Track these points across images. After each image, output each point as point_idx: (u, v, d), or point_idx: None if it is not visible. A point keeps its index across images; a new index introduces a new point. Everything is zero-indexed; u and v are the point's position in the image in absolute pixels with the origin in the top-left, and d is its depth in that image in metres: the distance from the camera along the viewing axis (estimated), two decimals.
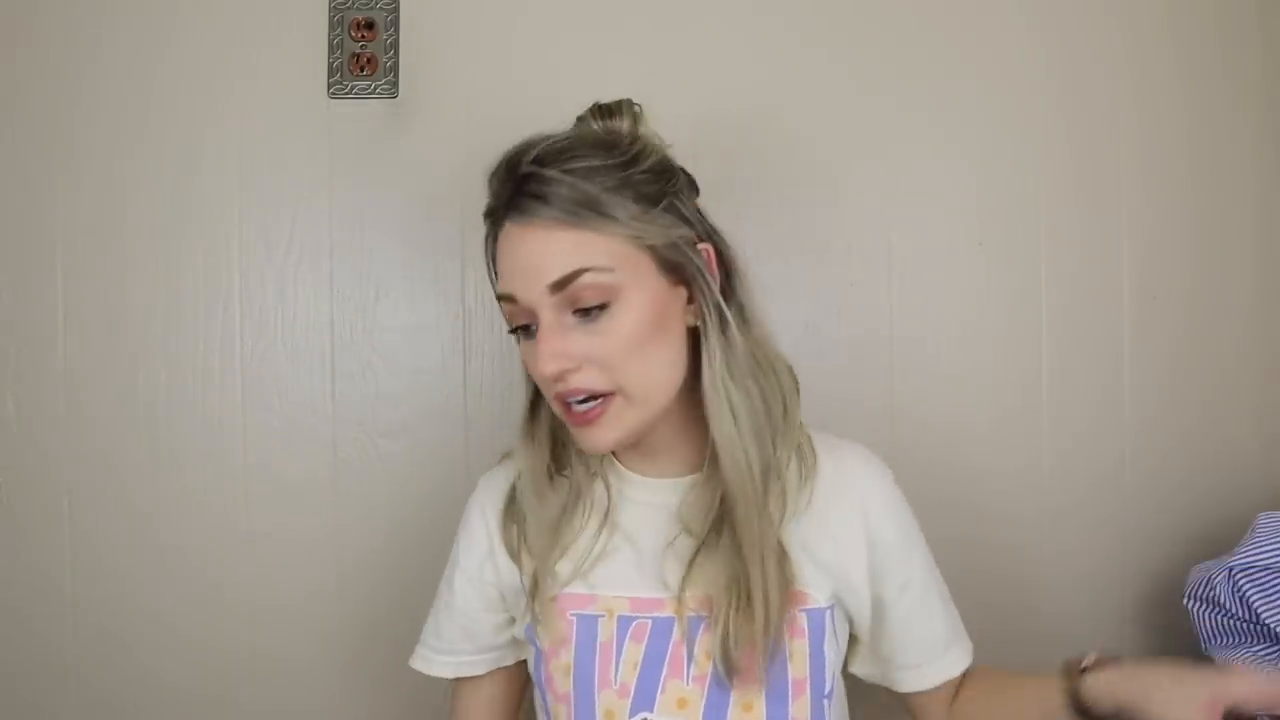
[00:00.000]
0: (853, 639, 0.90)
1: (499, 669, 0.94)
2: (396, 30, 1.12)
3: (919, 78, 1.22)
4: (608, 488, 0.88)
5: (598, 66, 1.19)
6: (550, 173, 0.77)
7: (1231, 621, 1.07)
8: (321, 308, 1.21)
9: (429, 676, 0.94)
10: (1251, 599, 1.04)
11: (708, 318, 0.81)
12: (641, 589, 0.84)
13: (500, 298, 0.82)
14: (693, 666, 0.82)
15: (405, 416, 1.21)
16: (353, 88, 1.11)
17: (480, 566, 0.91)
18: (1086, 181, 1.24)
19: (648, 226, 0.79)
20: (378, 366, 1.21)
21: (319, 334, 1.21)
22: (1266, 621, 1.03)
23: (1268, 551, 1.05)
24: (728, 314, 0.81)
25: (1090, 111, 1.23)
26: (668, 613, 0.83)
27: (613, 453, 0.89)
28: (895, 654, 0.88)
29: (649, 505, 0.87)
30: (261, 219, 1.20)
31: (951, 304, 1.23)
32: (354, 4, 1.12)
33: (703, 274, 0.81)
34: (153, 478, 1.20)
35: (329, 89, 1.11)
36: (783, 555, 0.82)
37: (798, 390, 0.87)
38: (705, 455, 0.84)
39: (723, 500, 0.81)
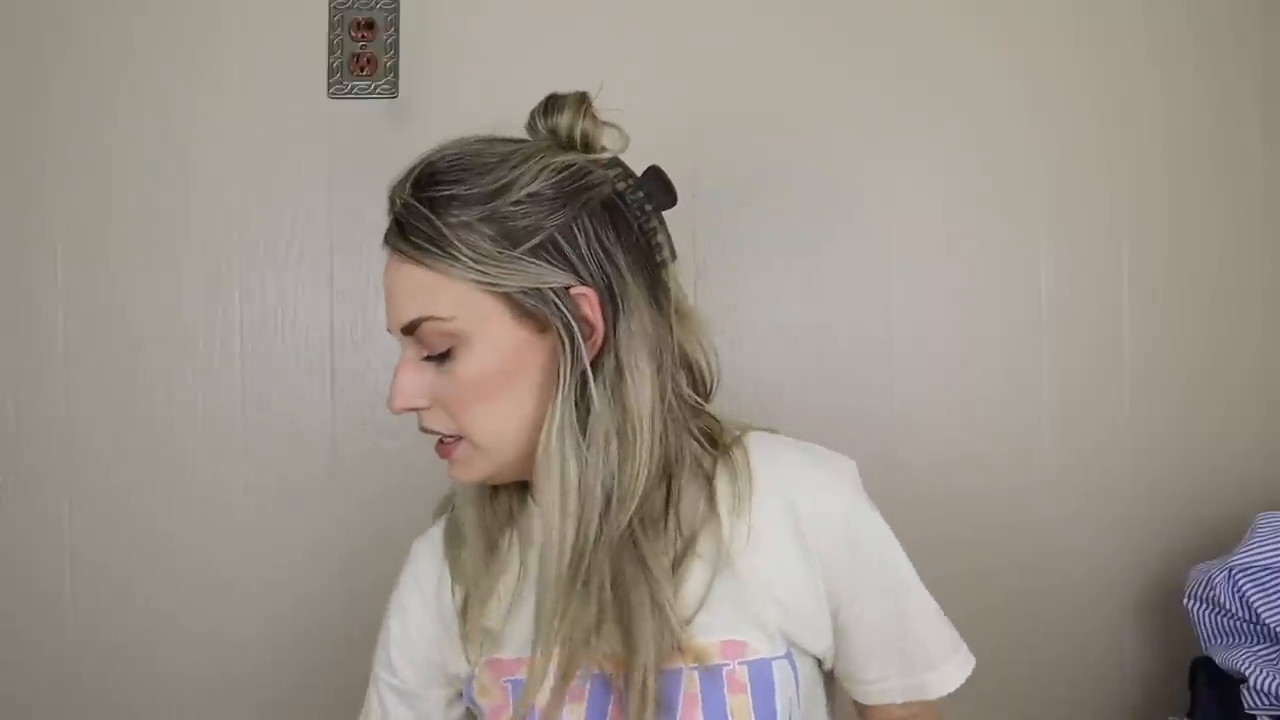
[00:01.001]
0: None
1: None
2: (396, 30, 1.12)
3: (919, 78, 1.22)
4: (516, 524, 0.81)
5: (598, 67, 1.19)
6: (412, 200, 0.72)
7: (1231, 621, 1.06)
8: (321, 308, 1.21)
9: None
10: (1251, 599, 1.04)
11: (564, 376, 0.72)
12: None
13: None
14: None
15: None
16: (353, 88, 1.11)
17: (417, 641, 0.85)
18: (1086, 181, 1.23)
19: (499, 271, 0.71)
20: (378, 366, 1.21)
21: (319, 334, 1.21)
22: (1266, 621, 1.03)
23: (1268, 551, 1.05)
24: (589, 375, 0.72)
25: (1090, 112, 1.23)
26: (605, 669, 0.75)
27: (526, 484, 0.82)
28: (853, 672, 0.81)
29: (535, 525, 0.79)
30: (261, 219, 1.20)
31: (951, 304, 1.23)
32: (354, 4, 1.12)
33: (568, 327, 0.72)
34: (153, 478, 1.20)
35: (329, 89, 1.11)
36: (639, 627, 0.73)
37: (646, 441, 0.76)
38: None
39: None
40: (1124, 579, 1.24)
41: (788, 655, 0.76)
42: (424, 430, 0.77)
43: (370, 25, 1.12)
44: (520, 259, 0.71)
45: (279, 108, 1.20)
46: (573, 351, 0.72)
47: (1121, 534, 1.24)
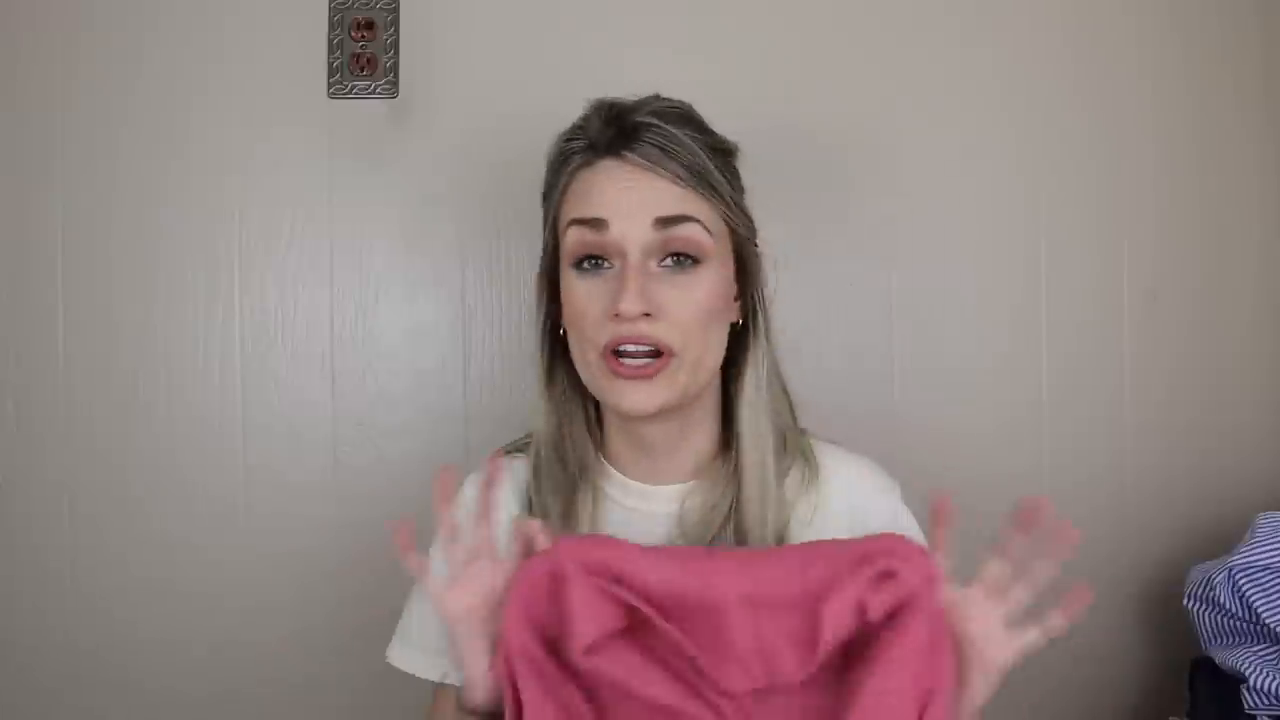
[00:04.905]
0: None
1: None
2: (396, 30, 1.12)
3: (917, 77, 1.22)
4: (594, 491, 0.84)
5: (597, 66, 1.19)
6: (675, 131, 0.77)
7: (1231, 621, 1.07)
8: (321, 308, 1.21)
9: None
10: (1251, 599, 1.04)
11: (759, 317, 0.82)
12: None
13: (581, 222, 0.77)
14: None
15: (405, 417, 1.21)
16: (353, 88, 1.11)
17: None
18: (1087, 182, 1.24)
19: (739, 212, 0.81)
20: (378, 366, 1.21)
21: (319, 334, 1.21)
22: (1266, 621, 1.03)
23: (1268, 551, 1.05)
24: (770, 319, 0.83)
25: (1091, 112, 1.23)
26: None
27: (602, 456, 0.85)
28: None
29: (642, 513, 0.83)
30: (261, 219, 1.20)
31: (952, 305, 1.22)
32: (354, 4, 1.12)
33: (759, 273, 0.83)
34: (152, 478, 1.20)
35: (329, 89, 1.11)
36: None
37: (792, 404, 0.87)
38: (697, 464, 0.83)
39: (733, 503, 0.80)
40: (1124, 579, 1.24)
41: None
42: (632, 339, 0.75)
43: (370, 25, 1.12)
44: (745, 210, 0.82)
45: (279, 108, 1.20)
46: (762, 294, 0.82)
47: (1121, 534, 1.24)
